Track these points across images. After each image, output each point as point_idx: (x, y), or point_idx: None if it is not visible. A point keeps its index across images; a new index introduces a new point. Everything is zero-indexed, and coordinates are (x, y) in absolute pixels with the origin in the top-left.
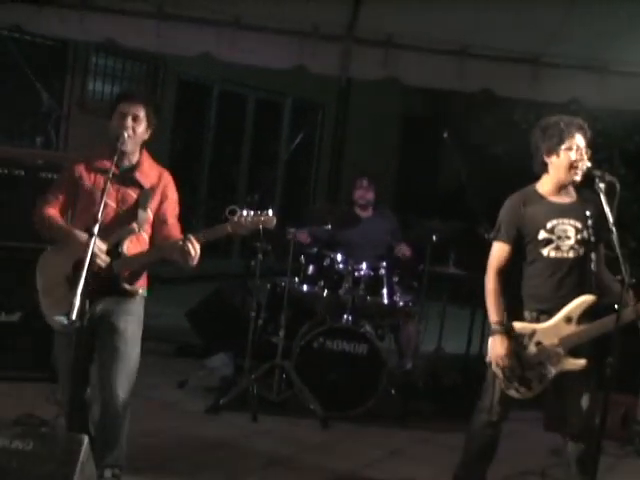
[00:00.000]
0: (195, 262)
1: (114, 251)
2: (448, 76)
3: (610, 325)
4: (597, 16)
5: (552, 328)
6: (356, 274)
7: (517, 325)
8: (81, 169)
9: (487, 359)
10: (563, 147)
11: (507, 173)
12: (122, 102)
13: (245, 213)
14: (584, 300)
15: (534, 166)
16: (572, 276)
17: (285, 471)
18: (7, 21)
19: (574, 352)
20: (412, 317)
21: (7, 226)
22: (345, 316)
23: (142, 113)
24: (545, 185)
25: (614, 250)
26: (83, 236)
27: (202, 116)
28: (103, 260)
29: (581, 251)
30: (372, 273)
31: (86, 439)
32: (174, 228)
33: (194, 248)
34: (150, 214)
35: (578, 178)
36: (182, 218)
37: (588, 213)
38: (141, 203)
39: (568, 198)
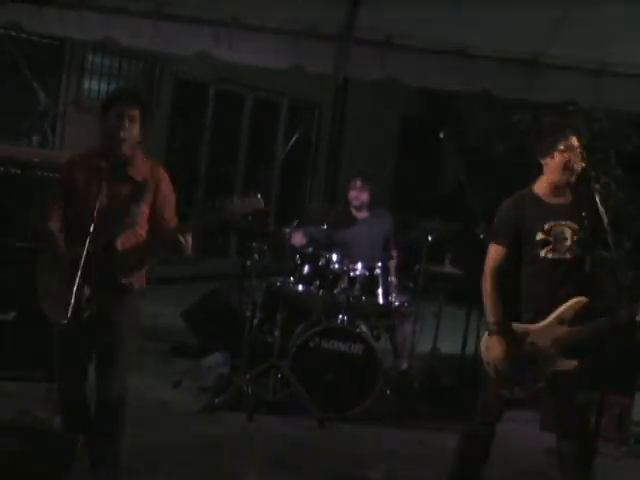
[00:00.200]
0: (189, 251)
1: (109, 247)
2: (446, 77)
3: (603, 326)
4: (595, 17)
5: (545, 329)
6: (351, 274)
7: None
8: (76, 169)
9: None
10: (558, 148)
11: (505, 173)
12: (117, 102)
13: (234, 198)
14: (577, 301)
15: (530, 167)
16: (569, 277)
17: (281, 471)
18: (6, 20)
19: (568, 353)
20: (408, 317)
21: (3, 224)
22: (341, 316)
23: (137, 113)
24: (541, 186)
25: (609, 251)
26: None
27: (199, 115)
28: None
29: (578, 252)
30: (367, 273)
31: (81, 438)
32: (171, 222)
33: (185, 237)
34: (146, 209)
35: (573, 179)
36: (179, 217)
37: (584, 214)
38: (134, 198)
39: (564, 199)
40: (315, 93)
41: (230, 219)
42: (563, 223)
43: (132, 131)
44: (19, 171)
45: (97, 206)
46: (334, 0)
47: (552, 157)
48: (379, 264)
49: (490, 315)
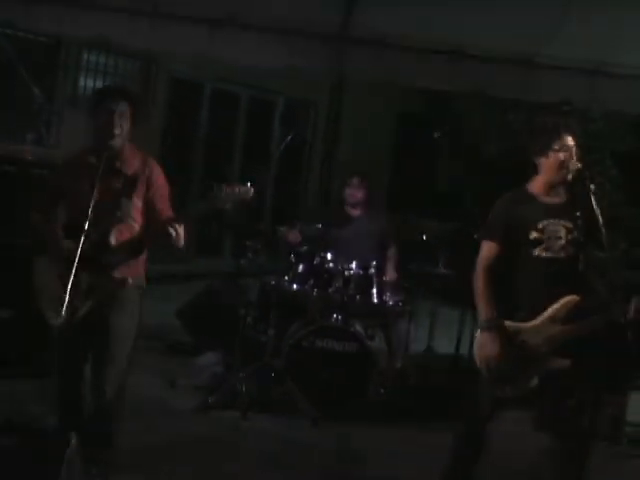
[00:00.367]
0: (181, 243)
1: (101, 242)
2: (442, 76)
3: (595, 325)
4: (591, 18)
5: (537, 327)
6: (346, 273)
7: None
8: (68, 168)
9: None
10: (552, 148)
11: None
12: (107, 99)
13: (223, 186)
14: (569, 300)
15: (525, 167)
16: (562, 276)
17: (274, 470)
18: (0, 17)
19: (562, 352)
20: (402, 316)
21: None
22: (335, 315)
23: (127, 109)
24: (536, 185)
25: (604, 250)
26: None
27: (194, 114)
28: None
29: (571, 251)
30: (362, 272)
31: (74, 435)
32: (165, 214)
33: (175, 229)
34: (137, 202)
35: (568, 178)
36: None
37: (578, 213)
38: (125, 192)
39: (559, 198)
40: (311, 92)
41: (220, 208)
42: (557, 222)
43: (123, 126)
44: (13, 169)
45: (91, 203)
46: None
47: (547, 157)
48: (374, 263)
49: (482, 312)
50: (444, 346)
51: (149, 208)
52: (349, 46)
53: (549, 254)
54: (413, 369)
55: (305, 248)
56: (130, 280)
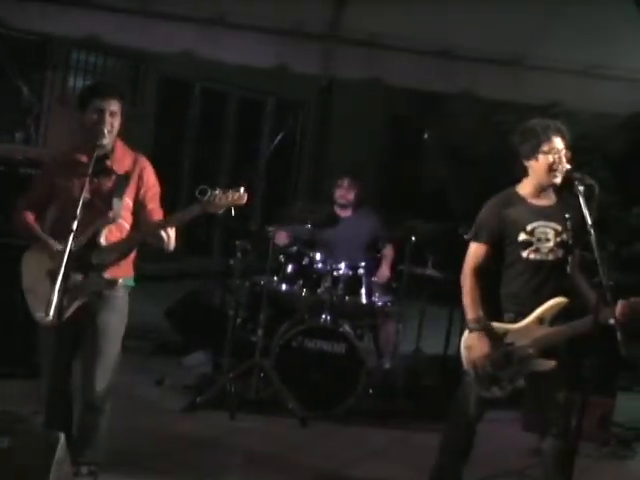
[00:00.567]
0: (172, 246)
1: (92, 243)
2: (431, 77)
3: (583, 327)
4: (580, 19)
5: (524, 329)
6: (335, 274)
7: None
8: (58, 166)
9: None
10: (541, 150)
11: (489, 174)
12: (97, 97)
13: (217, 191)
14: (557, 302)
15: (515, 169)
16: (551, 278)
17: (264, 470)
18: None
19: (549, 353)
20: (391, 317)
21: None
22: (324, 315)
23: (117, 108)
24: (525, 188)
25: (592, 252)
26: (57, 247)
27: (184, 114)
28: None
29: (560, 253)
30: (351, 273)
31: (62, 436)
32: (155, 213)
33: (166, 232)
34: (128, 202)
35: (558, 180)
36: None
37: (568, 215)
38: (116, 192)
39: (548, 201)
40: (300, 92)
41: (213, 213)
42: (546, 224)
43: (113, 125)
44: (2, 168)
45: (80, 202)
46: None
47: (536, 159)
48: (362, 264)
49: (470, 313)
50: (433, 347)
51: (140, 208)
52: (338, 46)
53: (538, 256)
54: (402, 369)
55: (294, 249)
56: (120, 280)
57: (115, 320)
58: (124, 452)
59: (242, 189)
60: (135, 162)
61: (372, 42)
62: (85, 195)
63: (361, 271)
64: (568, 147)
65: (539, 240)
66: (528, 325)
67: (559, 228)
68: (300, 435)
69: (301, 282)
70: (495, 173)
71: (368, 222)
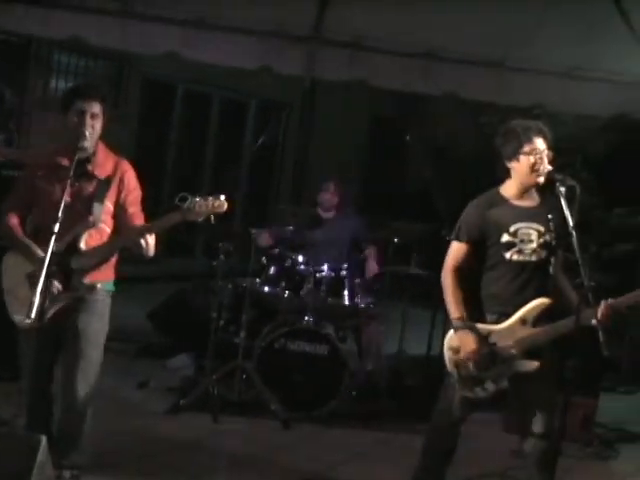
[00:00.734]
0: (151, 253)
1: (72, 247)
2: (415, 78)
3: (565, 328)
4: (563, 22)
5: (507, 330)
6: (317, 275)
7: None
8: (40, 168)
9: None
10: (523, 151)
11: (472, 175)
12: (79, 99)
13: (197, 199)
14: (540, 303)
15: (497, 170)
16: (534, 279)
17: (247, 472)
18: None
19: (532, 354)
20: (374, 318)
21: None
22: (306, 317)
23: (99, 109)
24: (508, 189)
25: (574, 253)
26: (39, 253)
27: (167, 115)
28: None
29: (543, 254)
30: (333, 274)
31: (44, 439)
32: (136, 217)
33: (145, 239)
34: (109, 206)
35: (540, 181)
36: (146, 217)
37: (550, 216)
38: (97, 196)
39: (531, 202)
40: (284, 94)
41: (193, 220)
42: (529, 225)
43: (94, 127)
44: None
45: (61, 205)
46: (304, 1)
47: (518, 160)
48: (345, 265)
49: (454, 312)
50: (415, 348)
51: (120, 212)
52: (322, 48)
53: (521, 257)
54: (385, 371)
55: (277, 250)
56: (100, 284)
57: (96, 324)
58: (107, 454)
59: (222, 197)
60: (117, 166)
61: (356, 44)
62: (66, 199)
63: (344, 273)
64: (550, 148)
65: (522, 241)
66: (511, 326)
67: (542, 229)
68: (283, 437)
69: (284, 284)
70: (479, 174)
71: (351, 224)
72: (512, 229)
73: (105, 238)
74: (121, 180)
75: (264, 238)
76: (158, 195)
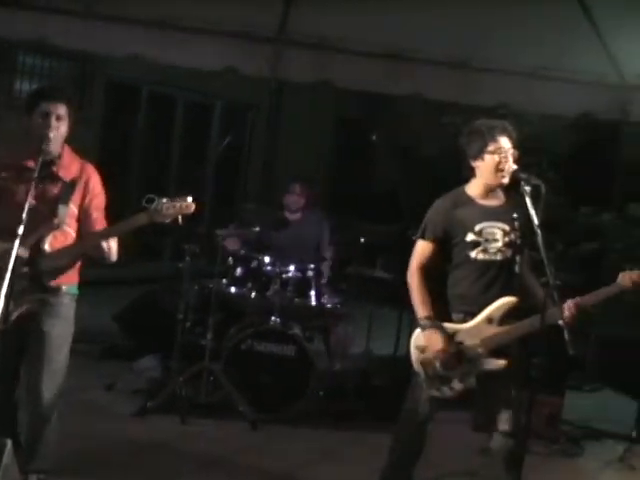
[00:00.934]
0: (113, 258)
1: (36, 249)
2: (380, 79)
3: (532, 327)
4: (527, 21)
5: (474, 329)
6: (284, 276)
7: None
8: (4, 169)
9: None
10: (487, 151)
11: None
12: (43, 101)
13: (164, 201)
14: (506, 302)
15: (462, 170)
16: (499, 278)
17: (216, 473)
18: None
19: (499, 353)
20: (340, 319)
21: None
22: (273, 318)
23: (64, 111)
24: (474, 188)
25: (539, 252)
26: (2, 246)
27: (131, 117)
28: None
29: (508, 254)
30: (300, 275)
31: (9, 442)
32: (99, 223)
33: (107, 243)
34: (74, 208)
35: (505, 180)
36: (110, 220)
37: (515, 215)
38: (62, 198)
39: (496, 201)
40: (250, 95)
41: (160, 222)
42: (494, 225)
43: (59, 129)
44: None
45: (26, 207)
46: (268, 2)
47: (482, 159)
48: (312, 266)
49: (421, 311)
50: (383, 348)
51: (84, 216)
52: (287, 49)
53: (486, 256)
54: (352, 371)
55: (243, 252)
56: (64, 287)
57: (60, 327)
58: (74, 458)
59: (190, 198)
60: (82, 169)
61: (321, 44)
62: (30, 200)
63: (310, 273)
64: (515, 147)
65: (487, 240)
66: (477, 325)
67: (507, 228)
68: (251, 438)
69: (250, 285)
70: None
71: (317, 225)
72: (477, 228)
73: (69, 241)
74: (86, 184)
75: (232, 243)
76: (124, 197)
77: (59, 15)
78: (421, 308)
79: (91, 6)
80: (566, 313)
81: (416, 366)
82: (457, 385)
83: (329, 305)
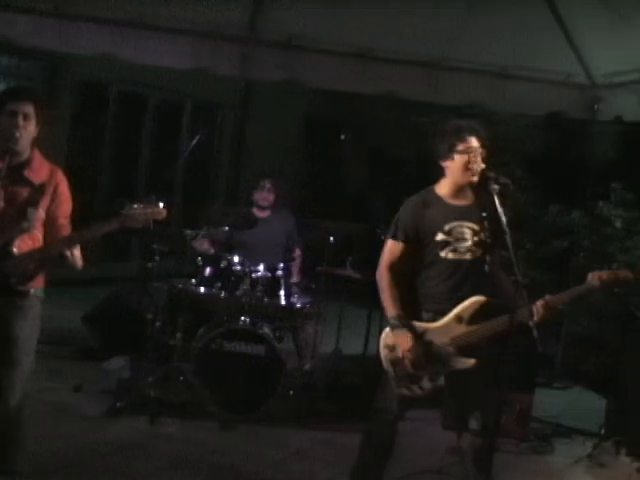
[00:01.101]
0: (78, 264)
1: (4, 251)
2: (350, 78)
3: (501, 325)
4: (496, 21)
5: (443, 328)
6: (253, 276)
7: None
8: None
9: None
10: (456, 150)
11: (408, 174)
12: (10, 100)
13: (135, 206)
14: (475, 301)
15: (432, 169)
16: (469, 278)
17: (186, 473)
18: None
19: (469, 352)
20: (310, 318)
21: None
22: (243, 318)
23: (32, 110)
24: (443, 187)
25: (509, 251)
26: None
27: (100, 117)
28: None
29: (478, 253)
30: (269, 274)
31: None
32: (64, 228)
33: (71, 251)
34: (42, 212)
35: (474, 180)
36: (79, 221)
37: (484, 214)
38: (31, 201)
39: (466, 200)
40: (219, 94)
41: (130, 227)
42: (463, 224)
43: (27, 128)
44: None
45: None
46: (238, 2)
47: (452, 159)
48: (281, 265)
49: (390, 310)
50: (352, 347)
51: (50, 220)
52: (257, 48)
53: (456, 256)
54: (322, 370)
55: (212, 251)
56: (32, 290)
57: (28, 330)
58: (44, 459)
59: (161, 204)
60: (52, 174)
61: (290, 44)
62: (0, 203)
63: (280, 272)
64: (484, 147)
65: (457, 240)
66: (447, 324)
67: (476, 227)
68: (221, 438)
69: (219, 285)
70: (415, 174)
71: (286, 223)
72: (447, 227)
73: (38, 244)
74: (55, 189)
75: (200, 244)
76: (92, 199)
77: (28, 14)
78: (391, 307)
79: (60, 6)
80: (537, 312)
81: (386, 365)
82: (427, 384)
83: (299, 304)
